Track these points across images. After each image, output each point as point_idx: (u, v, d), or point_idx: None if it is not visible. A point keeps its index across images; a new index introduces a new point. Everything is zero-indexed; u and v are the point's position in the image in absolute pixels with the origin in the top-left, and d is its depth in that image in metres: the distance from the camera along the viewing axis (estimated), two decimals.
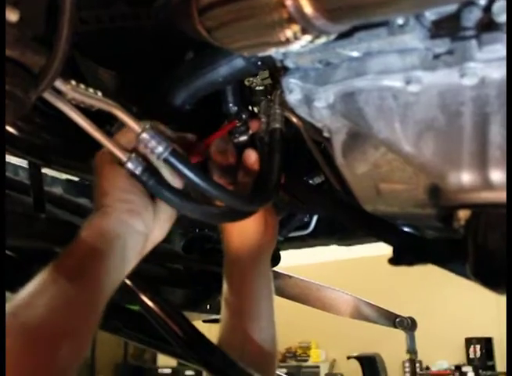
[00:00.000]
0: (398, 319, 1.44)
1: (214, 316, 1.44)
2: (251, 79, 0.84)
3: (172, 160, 0.63)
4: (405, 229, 0.72)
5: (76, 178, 1.27)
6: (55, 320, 0.55)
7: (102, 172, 0.66)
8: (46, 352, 0.53)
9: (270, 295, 0.93)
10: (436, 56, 0.51)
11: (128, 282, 0.78)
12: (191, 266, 1.33)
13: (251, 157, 0.80)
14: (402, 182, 0.60)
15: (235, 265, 0.91)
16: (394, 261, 0.66)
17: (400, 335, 1.55)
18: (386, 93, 0.54)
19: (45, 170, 1.03)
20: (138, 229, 0.65)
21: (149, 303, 0.79)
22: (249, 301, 0.89)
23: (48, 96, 0.60)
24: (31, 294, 0.55)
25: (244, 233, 0.89)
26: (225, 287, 0.92)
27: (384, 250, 0.72)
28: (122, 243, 0.63)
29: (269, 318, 0.92)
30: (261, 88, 0.84)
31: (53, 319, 0.54)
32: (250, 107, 0.89)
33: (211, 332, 0.98)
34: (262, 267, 0.92)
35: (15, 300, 0.54)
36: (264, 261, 0.93)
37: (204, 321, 1.48)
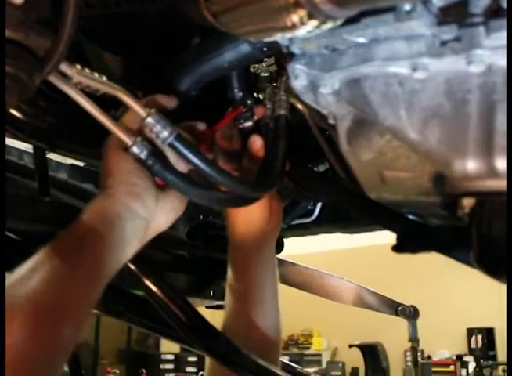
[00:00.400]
0: (400, 308, 1.44)
1: (217, 303, 1.45)
2: (257, 65, 0.84)
3: (177, 145, 0.63)
4: (409, 217, 0.72)
5: (81, 164, 1.27)
6: (52, 296, 0.55)
7: (107, 156, 0.67)
8: (46, 327, 0.53)
9: (274, 282, 0.93)
10: (443, 43, 0.51)
11: (131, 266, 0.78)
12: (195, 253, 1.33)
13: (257, 143, 0.80)
14: (407, 169, 0.60)
15: (239, 251, 0.91)
16: (398, 248, 0.66)
17: (402, 324, 1.56)
18: (392, 80, 0.54)
19: (49, 155, 1.03)
20: (139, 212, 0.65)
21: (153, 288, 0.80)
22: (253, 287, 0.90)
23: (54, 80, 0.60)
24: (27, 270, 0.56)
25: (249, 219, 0.89)
26: (229, 273, 0.93)
27: (388, 238, 0.72)
28: (122, 224, 0.63)
29: (273, 305, 0.92)
30: (266, 74, 0.84)
31: (49, 294, 0.55)
32: (255, 94, 0.89)
33: (215, 318, 0.98)
34: (267, 253, 0.93)
35: (11, 276, 0.55)
36: (268, 247, 0.93)
37: (207, 307, 1.49)
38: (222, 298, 1.34)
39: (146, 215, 0.66)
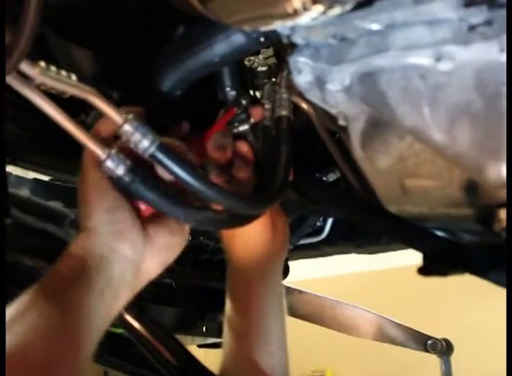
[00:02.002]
0: (430, 342, 1.44)
1: (211, 340, 1.45)
2: (252, 58, 0.84)
3: (160, 156, 0.63)
4: (437, 234, 0.73)
5: (46, 178, 1.27)
6: (39, 350, 0.55)
7: (86, 182, 0.67)
8: None
9: (281, 314, 0.93)
10: (471, 28, 0.51)
11: None
12: (183, 281, 1.33)
13: (242, 149, 0.81)
14: (432, 177, 0.60)
15: (239, 278, 0.91)
16: (425, 271, 0.66)
17: (433, 361, 1.55)
18: (412, 73, 0.54)
19: (8, 168, 1.03)
20: (126, 254, 0.65)
21: (135, 324, 0.80)
22: (256, 321, 0.89)
23: (13, 81, 0.60)
24: (12, 317, 0.56)
25: (250, 239, 0.89)
26: (228, 305, 0.92)
27: (412, 259, 0.73)
28: (109, 268, 0.63)
29: (280, 341, 0.92)
30: (264, 68, 0.85)
31: (36, 349, 0.55)
32: (251, 92, 0.89)
33: (208, 359, 0.98)
34: (272, 280, 0.92)
35: None
36: (274, 273, 0.93)
37: (200, 346, 1.49)
38: (217, 334, 1.35)
39: (134, 258, 0.66)
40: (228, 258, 0.92)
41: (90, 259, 0.62)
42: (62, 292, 0.60)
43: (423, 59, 0.53)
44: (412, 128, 0.56)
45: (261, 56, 0.85)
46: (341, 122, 0.65)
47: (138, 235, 0.66)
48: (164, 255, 0.70)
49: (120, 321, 0.81)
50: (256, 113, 0.82)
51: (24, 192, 1.21)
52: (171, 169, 0.64)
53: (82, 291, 0.60)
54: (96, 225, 0.64)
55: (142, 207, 0.69)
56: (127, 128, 0.63)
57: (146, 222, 0.68)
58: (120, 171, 0.63)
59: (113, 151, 0.63)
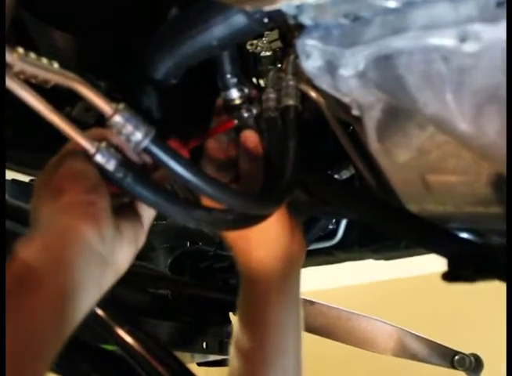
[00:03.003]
0: (457, 357, 1.44)
1: (212, 358, 1.45)
2: (255, 42, 0.85)
3: (155, 149, 0.64)
4: (463, 235, 0.73)
5: (25, 179, 1.28)
6: None
7: (52, 166, 0.66)
8: None
9: (299, 327, 0.93)
10: (499, 4, 0.51)
11: (99, 312, 0.78)
12: (181, 292, 1.34)
13: (250, 138, 0.81)
14: (457, 171, 0.61)
15: (256, 287, 0.90)
16: (450, 277, 0.66)
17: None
18: (434, 55, 0.54)
19: None
20: (94, 246, 0.63)
21: (128, 339, 0.80)
22: (273, 335, 0.89)
23: None
24: None
25: (266, 241, 0.88)
26: (237, 323, 0.92)
27: (436, 266, 0.72)
28: (73, 261, 0.61)
29: (296, 359, 0.92)
30: (268, 53, 0.85)
31: None
32: (254, 79, 0.89)
33: None
34: (291, 288, 0.92)
35: None
36: (293, 280, 0.93)
37: (199, 364, 1.49)
38: (219, 351, 1.35)
39: (102, 250, 0.64)
40: (241, 267, 0.91)
41: (45, 252, 0.60)
42: (10, 293, 0.57)
43: (445, 39, 0.53)
44: (435, 117, 0.56)
45: (264, 40, 0.85)
46: (355, 112, 0.65)
47: (109, 225, 0.65)
48: (133, 250, 0.70)
49: (111, 336, 0.81)
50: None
51: None
52: (166, 164, 0.64)
53: (36, 292, 0.58)
54: (68, 205, 0.63)
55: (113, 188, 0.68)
56: (117, 119, 0.63)
57: (117, 214, 0.68)
58: (110, 166, 0.64)
59: (103, 145, 0.64)
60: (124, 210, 0.70)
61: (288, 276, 0.91)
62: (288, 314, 0.91)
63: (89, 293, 0.63)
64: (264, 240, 0.88)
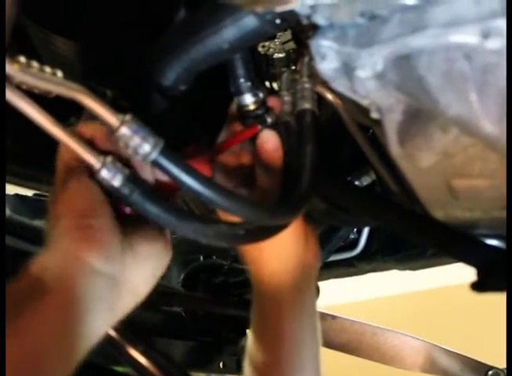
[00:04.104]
0: (490, 372, 1.43)
1: None
2: (267, 44, 0.85)
3: (164, 162, 0.64)
4: (491, 242, 0.73)
5: (28, 194, 1.29)
6: None
7: (58, 183, 0.66)
8: None
9: (316, 341, 0.93)
10: None
11: (110, 332, 0.79)
12: (195, 309, 1.34)
13: (271, 140, 0.81)
14: (484, 175, 0.61)
15: (268, 298, 0.91)
16: (480, 286, 0.66)
17: None
18: (456, 53, 0.55)
19: None
20: (98, 267, 0.62)
21: (141, 360, 0.80)
22: (288, 350, 0.89)
23: None
24: None
25: (279, 250, 0.88)
26: (251, 338, 0.93)
27: (464, 276, 0.72)
28: (72, 282, 0.60)
29: (315, 374, 0.92)
30: (281, 55, 0.85)
31: None
32: (266, 83, 0.90)
33: None
34: (306, 299, 0.92)
35: None
36: (308, 290, 0.93)
37: None
38: (237, 370, 1.35)
39: (109, 271, 0.63)
40: (253, 278, 0.92)
41: (48, 272, 0.60)
42: (11, 312, 0.56)
43: (468, 36, 0.53)
44: (458, 119, 0.57)
45: (277, 41, 0.85)
46: (374, 115, 0.65)
47: (114, 244, 0.64)
48: (152, 267, 0.69)
49: (123, 357, 0.81)
50: (272, 104, 0.82)
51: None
52: (177, 177, 0.64)
53: (35, 311, 0.57)
54: (62, 231, 0.63)
55: (127, 210, 0.69)
56: (124, 131, 0.63)
57: (129, 229, 0.67)
58: (116, 182, 0.64)
59: (109, 159, 0.64)
60: (141, 225, 0.69)
61: (302, 287, 0.91)
62: (303, 327, 0.91)
63: (100, 315, 0.63)
64: (277, 250, 0.88)
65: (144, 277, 0.68)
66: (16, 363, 0.55)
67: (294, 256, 0.89)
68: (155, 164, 0.64)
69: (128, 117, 0.64)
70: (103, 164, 0.64)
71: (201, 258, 1.44)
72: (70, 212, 0.64)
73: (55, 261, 0.61)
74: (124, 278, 0.65)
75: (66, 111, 0.75)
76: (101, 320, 0.63)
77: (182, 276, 1.41)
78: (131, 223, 0.69)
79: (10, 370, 0.53)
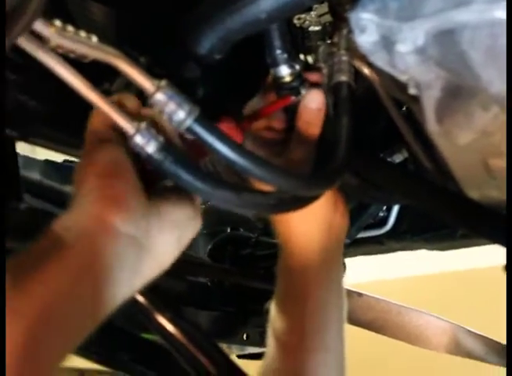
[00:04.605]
0: None
1: (253, 350, 1.46)
2: (303, 16, 0.84)
3: (199, 129, 0.64)
4: None
5: (58, 160, 1.30)
6: None
7: (86, 149, 0.66)
8: None
9: (340, 317, 0.93)
10: None
11: (140, 298, 0.79)
12: (221, 280, 1.34)
13: (314, 101, 0.80)
14: None
15: (294, 259, 0.90)
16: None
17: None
18: (499, 29, 0.54)
19: (18, 146, 1.05)
20: (119, 226, 0.61)
21: (169, 327, 0.81)
22: (313, 324, 0.89)
23: (25, 44, 0.61)
24: None
25: (307, 210, 0.82)
26: (274, 308, 0.92)
27: (495, 258, 0.72)
28: (92, 242, 0.60)
29: (338, 350, 0.92)
30: (317, 28, 0.85)
31: None
32: (301, 56, 0.89)
33: (248, 372, 0.98)
34: (333, 262, 0.92)
35: None
36: (335, 253, 0.92)
37: (239, 357, 1.50)
38: (260, 343, 1.35)
39: (132, 233, 0.62)
40: (280, 238, 0.91)
41: (70, 231, 0.59)
42: (31, 266, 0.56)
43: None
44: (500, 96, 0.56)
45: (313, 14, 0.84)
46: (412, 90, 0.65)
47: (139, 205, 0.63)
48: (178, 234, 0.67)
49: (151, 324, 0.82)
50: (313, 79, 0.82)
51: (34, 175, 1.23)
52: (211, 145, 0.64)
53: (51, 269, 0.56)
54: (85, 191, 0.62)
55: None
56: (159, 96, 0.63)
57: (157, 193, 0.67)
58: (150, 148, 0.63)
59: (143, 125, 0.64)
60: (170, 192, 0.69)
61: (330, 248, 0.91)
62: (328, 300, 0.90)
63: (121, 277, 0.62)
64: (305, 210, 0.87)
65: (169, 244, 0.67)
66: (35, 311, 0.54)
67: (322, 217, 0.89)
68: (189, 131, 0.64)
69: (163, 82, 0.64)
70: (138, 130, 0.63)
71: (228, 230, 1.45)
72: (95, 174, 0.63)
73: (78, 221, 0.60)
74: (148, 243, 0.64)
75: (99, 77, 0.76)
76: (121, 282, 0.62)
77: (209, 247, 1.42)
78: (159, 188, 0.69)
79: (29, 319, 0.53)
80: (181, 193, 0.69)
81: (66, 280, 0.57)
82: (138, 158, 0.66)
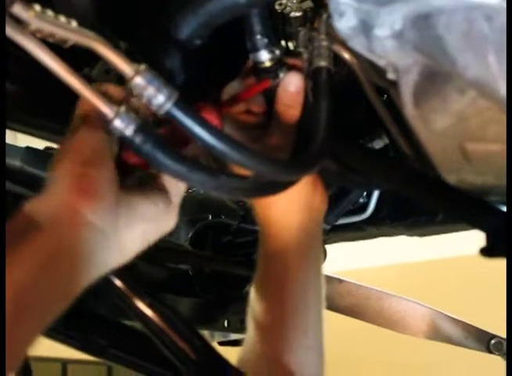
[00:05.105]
0: (493, 341, 1.44)
1: (234, 337, 1.46)
2: (284, 2, 0.84)
3: (178, 113, 0.64)
4: (503, 208, 0.73)
5: (39, 147, 1.29)
6: None
7: (71, 132, 0.67)
8: None
9: (320, 301, 0.94)
10: None
11: (118, 284, 0.79)
12: (202, 267, 1.35)
13: (293, 83, 0.80)
14: (499, 140, 0.60)
15: (273, 239, 0.91)
16: (488, 251, 0.67)
17: (496, 363, 1.56)
18: (476, 13, 0.54)
19: None
20: (88, 217, 0.62)
21: (148, 312, 0.81)
22: (292, 308, 0.90)
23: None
24: None
25: (287, 193, 0.85)
26: (254, 293, 0.93)
27: (473, 248, 0.72)
28: (60, 231, 0.61)
29: (318, 334, 0.93)
30: (298, 14, 0.84)
31: None
32: (282, 42, 0.89)
33: (229, 359, 0.99)
34: (312, 242, 0.93)
35: None
36: (314, 233, 0.93)
37: (220, 343, 1.51)
38: (241, 330, 1.36)
39: (99, 223, 0.63)
40: (259, 218, 0.92)
41: (40, 214, 0.60)
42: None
43: None
44: (476, 81, 0.56)
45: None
46: (390, 75, 0.65)
47: (109, 197, 0.64)
48: (145, 228, 0.68)
49: (130, 309, 0.82)
50: (294, 64, 0.82)
51: (15, 162, 1.23)
52: (190, 129, 0.64)
53: (23, 251, 0.58)
54: (61, 176, 0.63)
55: (133, 159, 0.69)
56: (138, 80, 0.63)
57: (132, 186, 0.68)
58: (129, 131, 0.64)
59: (122, 109, 0.64)
60: (145, 186, 0.70)
61: (309, 231, 0.91)
62: (308, 284, 0.91)
63: (87, 264, 0.63)
64: (285, 193, 0.86)
65: (134, 237, 0.67)
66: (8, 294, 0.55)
67: (301, 197, 0.89)
68: (168, 114, 0.64)
69: (142, 66, 0.64)
70: (117, 114, 0.64)
71: (210, 217, 1.45)
72: (71, 159, 0.64)
73: (49, 205, 0.61)
74: (115, 234, 0.65)
75: (79, 62, 0.75)
76: (86, 270, 0.63)
77: (190, 234, 1.42)
78: (134, 179, 0.70)
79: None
80: (156, 187, 0.71)
81: (37, 261, 0.58)
82: (117, 147, 0.67)
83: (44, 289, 0.59)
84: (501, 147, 0.61)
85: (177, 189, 0.73)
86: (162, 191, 0.71)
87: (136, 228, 0.67)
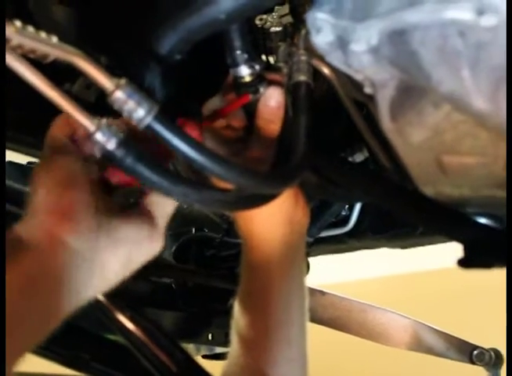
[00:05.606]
0: (476, 352, 1.44)
1: (219, 350, 1.46)
2: (265, 17, 0.85)
3: (158, 127, 0.64)
4: (480, 220, 0.73)
5: (22, 161, 1.29)
6: None
7: (44, 153, 0.67)
8: None
9: (303, 314, 0.94)
10: None
11: (101, 298, 0.79)
12: (185, 280, 1.35)
13: (273, 98, 0.80)
14: (474, 152, 0.61)
15: (256, 253, 0.91)
16: (466, 262, 0.67)
17: (479, 374, 1.56)
18: (450, 30, 0.55)
19: None
20: (67, 241, 0.62)
21: (130, 326, 0.81)
22: (275, 321, 0.90)
23: None
24: None
25: (269, 207, 0.85)
26: (238, 306, 0.93)
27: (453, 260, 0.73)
28: (42, 256, 0.61)
29: (301, 347, 0.93)
30: (278, 29, 0.85)
31: None
32: (263, 57, 0.90)
33: (214, 372, 0.99)
34: (295, 256, 0.93)
35: None
36: (297, 247, 0.93)
37: (205, 357, 1.50)
38: (225, 343, 1.36)
39: (80, 247, 0.63)
40: (242, 233, 0.92)
41: (24, 238, 0.61)
42: None
43: (462, 13, 0.53)
44: (450, 95, 0.57)
45: (274, 14, 0.85)
46: (368, 90, 0.65)
47: (89, 220, 0.64)
48: (127, 251, 0.68)
49: (112, 323, 0.82)
50: (274, 79, 0.82)
51: None
52: (170, 142, 0.64)
53: (8, 271, 0.57)
54: (39, 200, 0.64)
55: (116, 178, 0.70)
56: (118, 94, 0.64)
57: (113, 209, 0.68)
58: (111, 145, 0.64)
59: (104, 122, 0.64)
60: (129, 208, 0.70)
61: (292, 243, 0.92)
62: (291, 297, 0.91)
63: (71, 288, 0.63)
64: (267, 206, 0.86)
65: (115, 261, 0.67)
66: None
67: (283, 211, 0.90)
68: (149, 128, 0.64)
69: (122, 81, 0.64)
70: (98, 127, 0.64)
71: (193, 231, 1.45)
72: (50, 183, 0.64)
73: (29, 231, 0.62)
74: (97, 257, 0.65)
75: (60, 78, 0.76)
76: (70, 294, 0.63)
77: (173, 248, 1.42)
78: (118, 203, 0.70)
79: None
80: (141, 209, 0.71)
81: (17, 284, 0.58)
82: (97, 169, 0.67)
83: (23, 312, 0.59)
84: (476, 160, 0.62)
85: (163, 211, 0.73)
86: (147, 214, 0.71)
87: (119, 251, 0.67)
